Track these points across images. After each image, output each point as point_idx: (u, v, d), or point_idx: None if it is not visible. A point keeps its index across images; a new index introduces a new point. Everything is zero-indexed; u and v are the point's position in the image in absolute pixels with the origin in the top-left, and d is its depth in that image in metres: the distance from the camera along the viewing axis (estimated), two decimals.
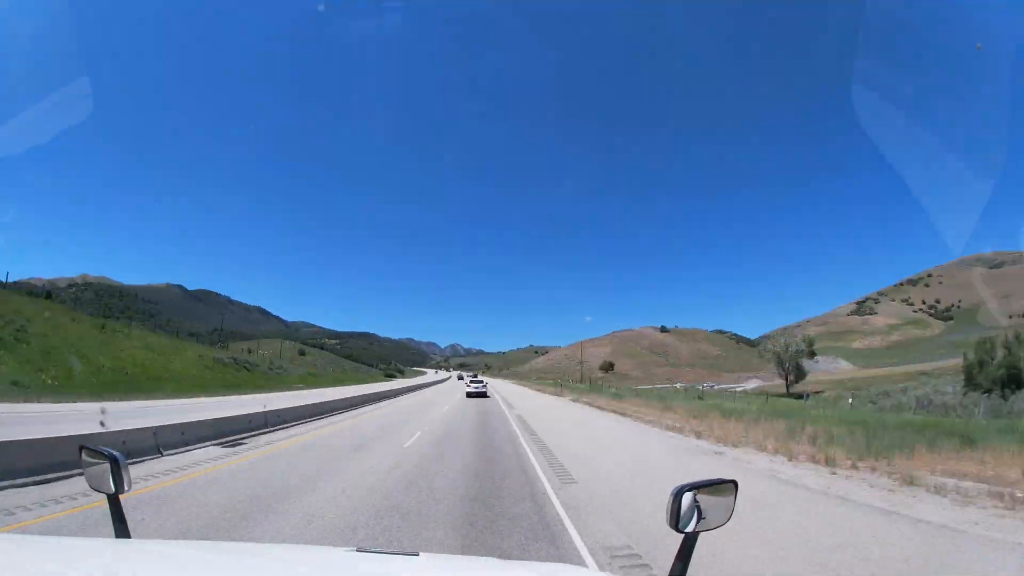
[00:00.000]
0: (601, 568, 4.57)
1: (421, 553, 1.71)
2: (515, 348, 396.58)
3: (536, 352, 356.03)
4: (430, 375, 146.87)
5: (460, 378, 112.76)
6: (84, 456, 1.87)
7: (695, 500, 1.60)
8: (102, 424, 12.67)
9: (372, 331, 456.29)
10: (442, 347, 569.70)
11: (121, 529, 1.71)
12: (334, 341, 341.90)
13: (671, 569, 1.57)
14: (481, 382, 43.77)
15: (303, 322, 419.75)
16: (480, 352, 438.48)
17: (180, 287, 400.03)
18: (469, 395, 38.28)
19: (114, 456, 1.76)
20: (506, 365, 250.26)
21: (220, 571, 1.43)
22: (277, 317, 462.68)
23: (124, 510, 1.76)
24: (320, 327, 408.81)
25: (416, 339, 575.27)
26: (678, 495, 1.59)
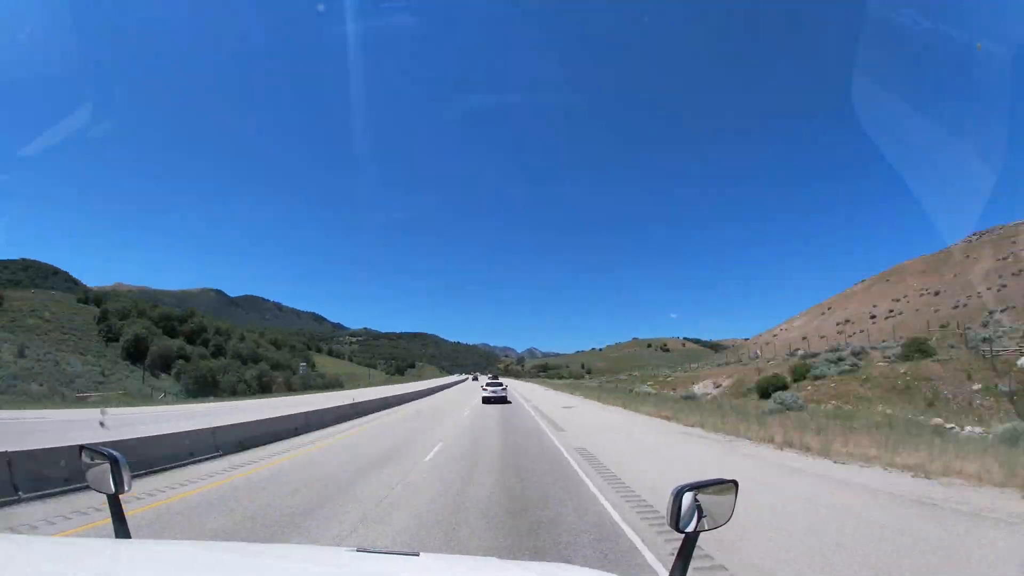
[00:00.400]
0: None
1: (421, 553, 1.67)
2: (614, 343, 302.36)
3: (650, 345, 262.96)
4: (417, 386, 68.23)
5: (475, 379, 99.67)
6: (84, 456, 1.85)
7: (695, 500, 1.56)
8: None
9: (441, 336, 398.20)
10: (519, 351, 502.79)
11: (121, 529, 1.71)
12: (354, 340, 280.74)
13: (671, 569, 1.56)
14: (500, 384, 35.69)
15: (365, 328, 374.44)
16: (557, 355, 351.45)
17: (218, 292, 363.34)
18: (486, 400, 32.81)
19: (114, 456, 1.75)
20: (618, 367, 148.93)
21: (220, 571, 1.43)
22: (337, 323, 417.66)
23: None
24: (379, 331, 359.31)
25: (491, 344, 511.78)
26: (678, 495, 1.55)
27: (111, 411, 24.19)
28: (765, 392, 26.72)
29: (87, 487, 1.91)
